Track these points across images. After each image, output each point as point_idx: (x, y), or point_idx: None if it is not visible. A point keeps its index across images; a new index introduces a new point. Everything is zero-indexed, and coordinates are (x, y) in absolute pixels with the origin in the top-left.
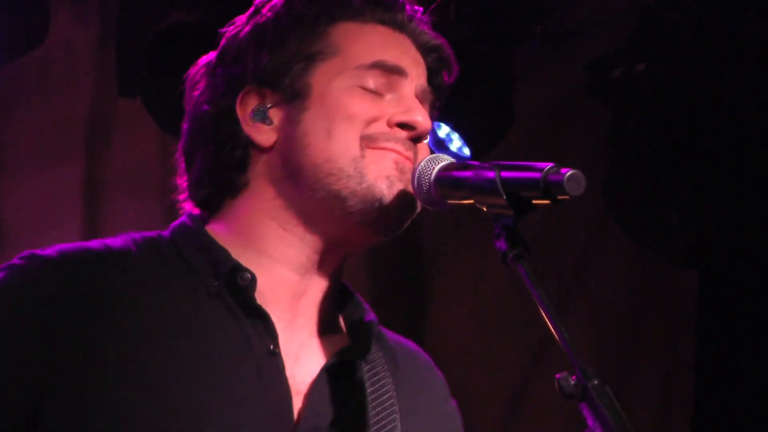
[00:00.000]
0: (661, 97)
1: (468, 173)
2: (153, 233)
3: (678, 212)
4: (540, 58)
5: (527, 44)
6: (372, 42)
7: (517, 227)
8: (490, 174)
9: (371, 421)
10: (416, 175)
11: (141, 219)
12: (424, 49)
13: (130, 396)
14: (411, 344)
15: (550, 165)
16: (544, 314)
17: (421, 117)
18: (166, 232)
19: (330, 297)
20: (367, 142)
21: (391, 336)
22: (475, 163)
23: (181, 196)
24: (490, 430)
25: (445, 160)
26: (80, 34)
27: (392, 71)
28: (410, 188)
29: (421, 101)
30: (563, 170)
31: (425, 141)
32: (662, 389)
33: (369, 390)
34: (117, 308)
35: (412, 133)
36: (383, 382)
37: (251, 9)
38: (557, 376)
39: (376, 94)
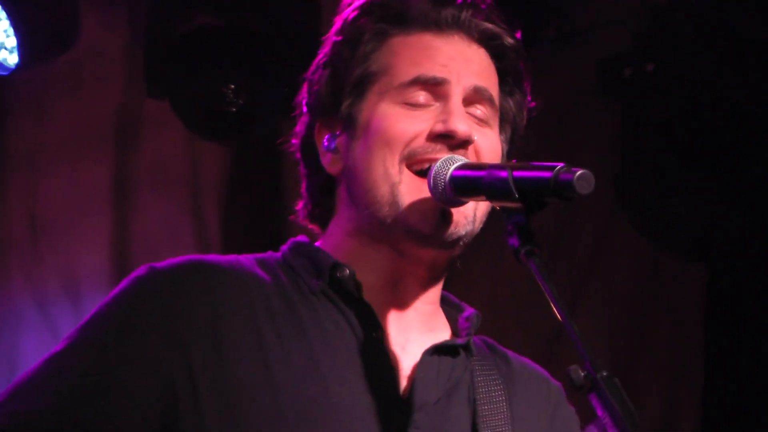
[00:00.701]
0: (670, 95)
1: (482, 173)
2: (266, 254)
3: (687, 207)
4: (553, 57)
5: (541, 44)
6: (413, 56)
7: (529, 224)
8: (503, 174)
9: (480, 411)
10: (432, 175)
11: (168, 214)
12: (483, 39)
13: (252, 380)
14: (528, 361)
15: (561, 165)
16: (554, 308)
17: (460, 124)
18: (278, 253)
19: (429, 299)
20: (408, 161)
21: (513, 354)
22: (488, 163)
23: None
24: None
25: (460, 160)
26: (109, 38)
27: (432, 83)
28: (460, 209)
29: (471, 102)
30: (574, 169)
31: (473, 143)
32: (672, 377)
33: (478, 380)
34: (228, 307)
35: (453, 141)
36: (490, 371)
37: (335, 25)
38: (567, 368)
39: (422, 106)
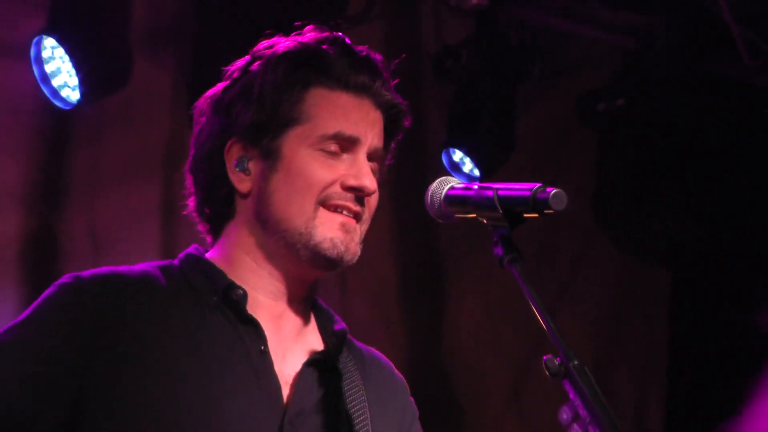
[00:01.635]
0: (638, 126)
1: (471, 192)
2: (166, 262)
3: (654, 222)
4: (538, 94)
5: (527, 82)
6: (335, 112)
7: (511, 236)
8: (489, 193)
9: (347, 406)
10: (429, 194)
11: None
12: (384, 106)
13: (146, 388)
14: (375, 351)
15: (538, 185)
16: (533, 307)
17: (367, 181)
18: (176, 261)
19: (304, 313)
20: (323, 201)
21: (359, 344)
22: (476, 184)
23: (191, 213)
24: (497, 400)
25: (452, 181)
26: (158, 78)
27: (348, 140)
28: (351, 245)
29: (373, 159)
30: (549, 189)
31: (372, 196)
32: (642, 367)
33: (344, 382)
34: (136, 319)
35: (359, 194)
36: (354, 377)
37: (247, 58)
38: (544, 357)
39: (335, 154)
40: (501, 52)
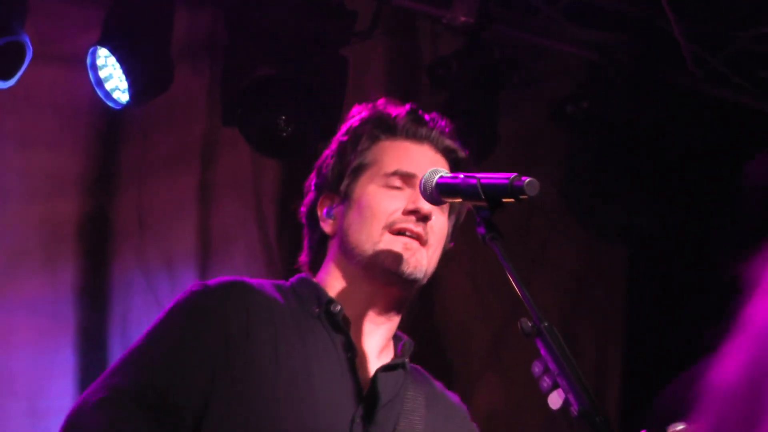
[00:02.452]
0: (601, 125)
1: (458, 181)
2: (278, 281)
3: (614, 207)
4: (516, 99)
5: (507, 89)
6: (397, 154)
7: (492, 218)
8: (473, 181)
9: (406, 412)
10: (422, 182)
11: (238, 212)
12: (444, 151)
13: (259, 375)
14: (450, 393)
15: (514, 175)
16: (510, 277)
17: (424, 204)
18: (287, 282)
19: (386, 330)
20: (388, 227)
21: (435, 380)
22: (462, 174)
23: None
24: (482, 354)
25: (442, 171)
26: (196, 83)
27: (407, 175)
28: (412, 261)
29: None
30: (524, 178)
31: (431, 220)
32: (602, 329)
33: (407, 394)
34: (255, 320)
35: (418, 215)
36: (417, 394)
37: (342, 128)
38: (519, 320)
39: (399, 188)
40: (485, 63)
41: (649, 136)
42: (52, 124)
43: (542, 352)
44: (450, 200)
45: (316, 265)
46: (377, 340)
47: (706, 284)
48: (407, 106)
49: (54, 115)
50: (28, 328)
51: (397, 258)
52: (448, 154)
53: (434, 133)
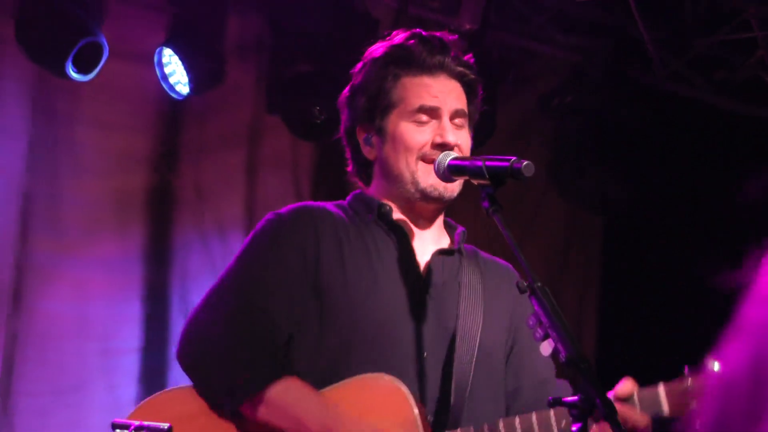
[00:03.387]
0: (581, 115)
1: (466, 162)
2: (338, 201)
3: (592, 183)
4: (511, 93)
5: (504, 85)
6: (419, 91)
7: (494, 194)
8: (479, 163)
9: (467, 283)
10: (436, 163)
11: (278, 185)
12: (458, 76)
13: (338, 275)
14: (497, 258)
15: (513, 158)
16: (509, 242)
17: (450, 137)
18: (345, 201)
19: (435, 227)
20: (422, 158)
21: (486, 255)
22: (469, 156)
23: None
24: None
25: (453, 154)
26: (244, 77)
27: (430, 110)
28: (449, 185)
29: (453, 117)
30: (522, 161)
31: (458, 145)
32: (581, 287)
33: (464, 272)
34: (323, 235)
35: (446, 147)
36: (474, 272)
37: (360, 65)
38: (516, 281)
39: (425, 123)
40: (486, 63)
41: (621, 125)
42: (124, 111)
43: (535, 307)
44: (458, 178)
45: (364, 178)
46: (429, 233)
47: (668, 248)
48: (417, 34)
49: (126, 104)
50: (102, 282)
51: (434, 186)
52: (461, 78)
53: (447, 60)
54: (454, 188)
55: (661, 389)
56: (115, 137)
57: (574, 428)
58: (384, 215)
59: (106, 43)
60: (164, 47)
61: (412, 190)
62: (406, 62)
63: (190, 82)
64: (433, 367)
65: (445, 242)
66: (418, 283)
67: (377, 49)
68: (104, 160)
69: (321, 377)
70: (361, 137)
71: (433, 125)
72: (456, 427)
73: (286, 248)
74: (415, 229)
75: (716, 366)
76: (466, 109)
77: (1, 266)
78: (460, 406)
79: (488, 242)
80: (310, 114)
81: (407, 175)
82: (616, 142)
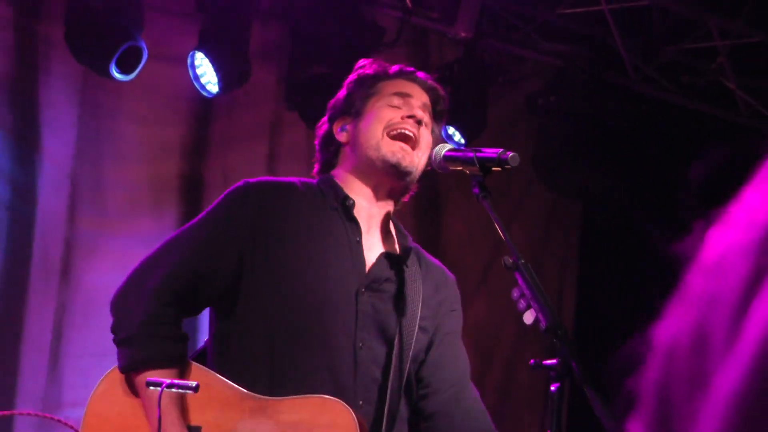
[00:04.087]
0: (563, 113)
1: (459, 153)
2: (309, 179)
3: (572, 172)
4: (501, 94)
5: (494, 86)
6: (395, 84)
7: (484, 181)
8: (471, 154)
9: (407, 285)
10: (433, 154)
11: (294, 172)
12: (426, 89)
13: (283, 251)
14: (436, 261)
15: (501, 150)
16: (496, 225)
17: (417, 111)
18: (314, 180)
19: (387, 225)
20: (388, 128)
21: (427, 255)
22: (462, 148)
23: (316, 164)
24: (472, 283)
25: (447, 146)
26: (267, 77)
27: (404, 95)
28: (408, 157)
29: (422, 108)
30: (508, 152)
31: (422, 127)
32: (561, 264)
33: (407, 271)
34: (283, 210)
35: (414, 119)
36: (415, 270)
37: (350, 77)
38: (502, 258)
39: (397, 107)
40: (478, 67)
41: (599, 123)
42: (160, 107)
43: (519, 281)
44: (452, 168)
45: (327, 168)
46: (381, 228)
47: (639, 231)
48: (399, 65)
49: (162, 100)
50: (140, 256)
51: (395, 153)
52: (430, 91)
53: (420, 78)
54: (412, 160)
55: None
56: (152, 129)
57: (552, 387)
58: (347, 208)
59: (145, 47)
60: (196, 51)
61: (374, 157)
62: (387, 73)
63: (219, 81)
64: (367, 361)
65: (393, 245)
66: (361, 278)
67: (365, 67)
68: (142, 149)
69: (261, 352)
70: (337, 127)
71: (404, 108)
72: (391, 429)
73: (238, 212)
74: (370, 227)
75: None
76: (430, 105)
77: (52, 243)
78: (395, 406)
79: (481, 229)
80: (323, 110)
81: (373, 143)
82: (593, 138)
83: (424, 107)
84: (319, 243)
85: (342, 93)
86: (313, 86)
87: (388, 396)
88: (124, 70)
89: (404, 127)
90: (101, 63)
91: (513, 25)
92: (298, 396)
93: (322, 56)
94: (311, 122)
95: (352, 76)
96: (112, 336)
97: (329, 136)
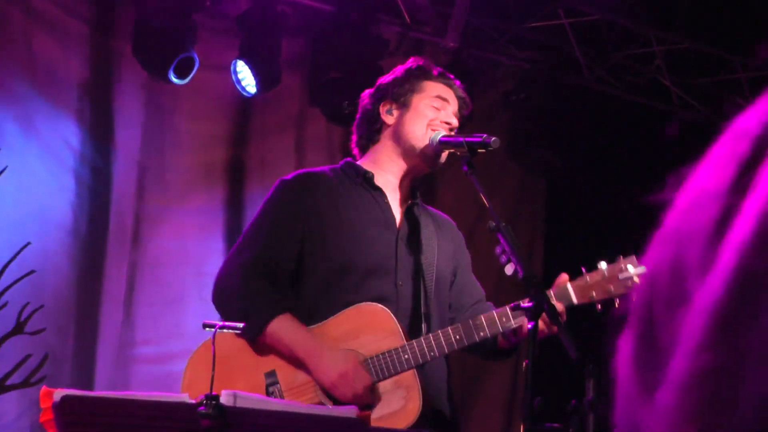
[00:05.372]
0: (531, 107)
1: (451, 138)
2: (336, 165)
3: (539, 153)
4: (481, 91)
5: (477, 85)
6: (437, 87)
7: (471, 160)
8: (461, 139)
9: (427, 235)
10: (431, 139)
11: (318, 161)
12: (458, 96)
13: (328, 225)
14: (443, 213)
15: (485, 135)
16: (482, 196)
17: (453, 120)
18: (338, 165)
19: (409, 189)
20: (430, 126)
21: (433, 209)
22: (454, 134)
23: (354, 136)
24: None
25: (443, 133)
26: (293, 79)
27: (444, 100)
28: (444, 154)
29: (455, 115)
30: (491, 137)
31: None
32: (531, 229)
33: (424, 225)
34: (320, 193)
35: (449, 126)
36: (429, 224)
37: (390, 74)
38: (487, 223)
39: (438, 108)
40: (464, 71)
41: (560, 114)
42: (209, 105)
43: (501, 240)
44: (447, 149)
45: (363, 146)
46: (400, 194)
47: (595, 200)
48: (441, 69)
49: (210, 100)
50: (195, 225)
51: (433, 153)
52: (460, 99)
53: (456, 85)
54: (442, 159)
55: (569, 285)
56: (203, 124)
57: (529, 325)
58: (368, 180)
59: (197, 57)
60: (238, 60)
61: (417, 150)
62: (429, 75)
63: (256, 84)
64: (405, 292)
65: (410, 201)
66: (393, 230)
67: (408, 63)
68: (195, 140)
69: (322, 300)
70: (383, 109)
71: (442, 112)
72: (428, 333)
73: (290, 207)
74: (391, 192)
75: (642, 269)
76: (458, 116)
77: (125, 215)
78: (428, 319)
79: (469, 199)
80: (341, 107)
81: (419, 134)
82: (555, 126)
83: (455, 114)
84: (355, 210)
85: (389, 79)
86: (331, 88)
87: (423, 319)
88: (180, 76)
89: (442, 130)
90: (162, 71)
91: (491, 37)
92: (335, 315)
93: (337, 63)
94: (329, 116)
95: (402, 68)
96: (221, 318)
97: (375, 114)
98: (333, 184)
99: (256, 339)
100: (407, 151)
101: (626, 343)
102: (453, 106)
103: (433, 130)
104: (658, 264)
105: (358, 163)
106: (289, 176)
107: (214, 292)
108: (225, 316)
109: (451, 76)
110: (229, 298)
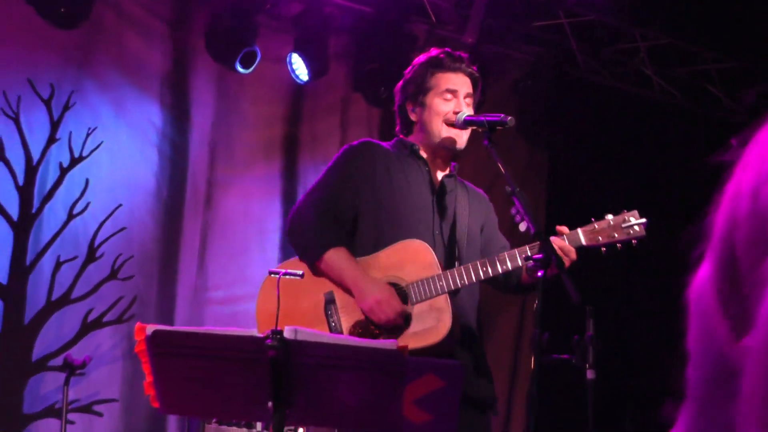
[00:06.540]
0: (536, 93)
1: (474, 117)
2: (390, 142)
3: (543, 129)
4: (495, 80)
5: (491, 75)
6: (446, 81)
7: (491, 135)
8: (482, 117)
9: (460, 201)
10: (457, 117)
11: (359, 134)
12: (469, 76)
13: (382, 188)
14: (476, 187)
15: (502, 114)
16: (500, 165)
17: (464, 106)
18: (392, 142)
19: (445, 163)
20: (446, 121)
21: (469, 184)
22: (478, 114)
23: (398, 125)
24: None
25: (468, 112)
26: (338, 69)
27: (453, 91)
28: (460, 141)
29: (465, 98)
30: (508, 116)
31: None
32: (536, 190)
33: (460, 189)
34: (379, 160)
35: (459, 116)
36: (463, 192)
37: (410, 67)
38: (505, 187)
39: (448, 99)
40: (481, 62)
41: (560, 99)
42: (270, 91)
43: (515, 202)
44: (470, 127)
45: (405, 132)
46: (440, 166)
47: (589, 168)
48: (446, 51)
49: (271, 87)
50: (257, 191)
51: (452, 139)
52: (470, 76)
53: (462, 66)
54: (462, 143)
55: (579, 230)
56: (264, 106)
57: (539, 273)
58: (415, 152)
59: (258, 51)
60: (293, 53)
61: (436, 141)
62: (439, 65)
63: (308, 73)
64: (442, 238)
65: (448, 171)
66: (433, 192)
67: (421, 58)
68: (258, 119)
69: (374, 240)
70: (409, 108)
71: (453, 102)
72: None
73: (353, 166)
74: (432, 163)
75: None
76: (471, 93)
77: (200, 182)
78: (460, 257)
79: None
80: (378, 92)
81: (436, 131)
82: (556, 109)
83: (467, 96)
84: (402, 173)
85: (409, 79)
86: (370, 76)
87: (456, 261)
88: (245, 66)
89: (467, 110)
90: (230, 62)
91: (503, 34)
92: (385, 248)
93: (375, 56)
94: (369, 100)
95: (416, 62)
96: (299, 251)
97: (405, 113)
98: (388, 153)
99: (314, 264)
100: (432, 142)
101: (706, 272)
102: (463, 89)
103: (448, 124)
104: (739, 202)
105: (406, 139)
106: (355, 143)
107: (289, 224)
108: (295, 243)
109: (457, 54)
110: (300, 227)
